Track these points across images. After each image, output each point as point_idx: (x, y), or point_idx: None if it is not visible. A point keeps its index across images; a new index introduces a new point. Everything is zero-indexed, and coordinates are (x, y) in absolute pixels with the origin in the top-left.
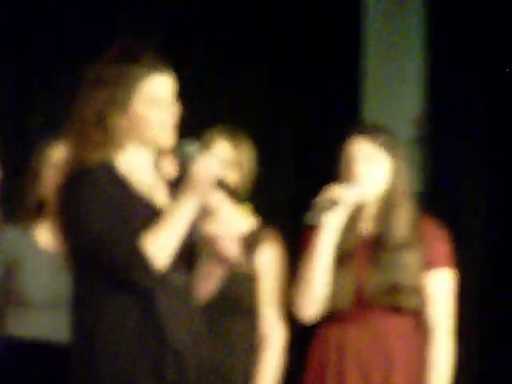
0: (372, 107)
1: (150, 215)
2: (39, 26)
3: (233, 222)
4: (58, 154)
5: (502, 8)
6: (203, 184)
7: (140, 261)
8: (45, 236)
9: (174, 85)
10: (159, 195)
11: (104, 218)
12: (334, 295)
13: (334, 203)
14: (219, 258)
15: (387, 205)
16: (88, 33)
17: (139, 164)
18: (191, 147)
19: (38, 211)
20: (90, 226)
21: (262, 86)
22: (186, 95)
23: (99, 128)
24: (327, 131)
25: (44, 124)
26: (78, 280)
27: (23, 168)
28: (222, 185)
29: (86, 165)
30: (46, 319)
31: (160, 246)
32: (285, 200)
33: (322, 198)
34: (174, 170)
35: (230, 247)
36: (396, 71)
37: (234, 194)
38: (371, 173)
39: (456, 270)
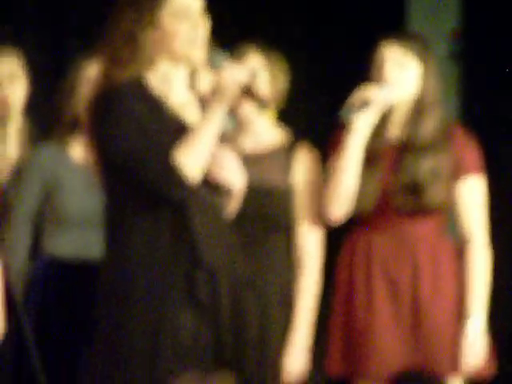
0: (414, 20)
1: (181, 132)
2: None
3: (266, 135)
4: (92, 71)
5: None
6: (230, 92)
7: (173, 174)
8: (81, 153)
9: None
10: (192, 112)
11: (133, 135)
12: (360, 197)
13: (365, 103)
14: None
15: (416, 110)
16: None
17: (171, 80)
18: (219, 56)
19: (73, 128)
20: (119, 144)
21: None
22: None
23: (129, 44)
24: (371, 43)
25: (81, 42)
26: (111, 197)
27: (58, 84)
28: (251, 93)
29: (116, 82)
30: (85, 237)
31: (191, 159)
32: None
33: (353, 98)
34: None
35: (231, 176)
36: None
37: (265, 103)
38: (401, 77)
39: (485, 178)
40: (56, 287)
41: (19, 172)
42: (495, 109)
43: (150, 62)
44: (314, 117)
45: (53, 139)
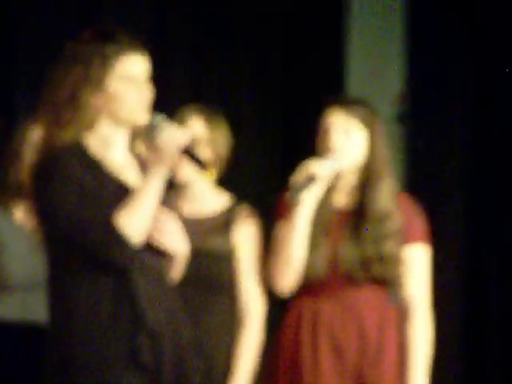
0: (355, 85)
1: (121, 194)
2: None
3: (206, 199)
4: (35, 135)
5: None
6: (171, 153)
7: (115, 238)
8: (24, 217)
9: (148, 64)
10: (132, 174)
11: (73, 199)
12: (309, 266)
13: (310, 180)
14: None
15: (366, 177)
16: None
17: (112, 143)
18: (158, 117)
19: (17, 193)
20: (61, 209)
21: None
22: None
23: (72, 106)
24: (312, 108)
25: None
26: (53, 262)
27: (3, 149)
28: (191, 155)
29: (56, 145)
30: (28, 300)
31: (133, 222)
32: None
33: (298, 176)
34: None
35: (173, 241)
36: (379, 52)
37: (205, 166)
38: (347, 145)
39: (431, 246)
40: None
41: None
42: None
43: (91, 125)
44: (258, 180)
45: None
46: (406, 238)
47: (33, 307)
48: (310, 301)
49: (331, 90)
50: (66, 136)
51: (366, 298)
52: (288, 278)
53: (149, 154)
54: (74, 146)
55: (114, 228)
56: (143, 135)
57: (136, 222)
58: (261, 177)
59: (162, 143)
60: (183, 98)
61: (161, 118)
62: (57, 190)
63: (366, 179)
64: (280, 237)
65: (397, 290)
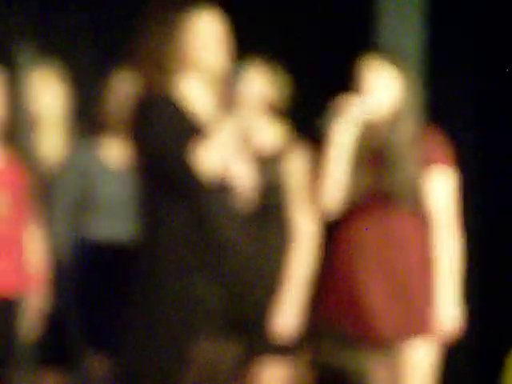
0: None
1: (201, 132)
2: None
3: (268, 136)
4: (122, 83)
5: None
6: (251, 101)
7: (193, 167)
8: (112, 150)
9: (223, 22)
10: (212, 115)
11: (163, 135)
12: (351, 192)
13: (347, 111)
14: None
15: (395, 117)
16: None
17: (197, 91)
18: (240, 68)
19: (105, 129)
20: (153, 142)
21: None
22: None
23: (157, 61)
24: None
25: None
26: (144, 189)
27: (96, 92)
28: (267, 103)
29: (151, 94)
30: (115, 223)
31: (209, 157)
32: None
33: (336, 107)
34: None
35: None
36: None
37: (273, 110)
38: (380, 88)
39: (455, 169)
40: (91, 263)
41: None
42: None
43: (179, 75)
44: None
45: (89, 139)
46: (429, 162)
47: (119, 228)
48: (355, 222)
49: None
50: (156, 85)
51: (404, 218)
52: (333, 198)
53: (227, 99)
54: (165, 94)
55: (193, 160)
56: (225, 81)
57: (211, 156)
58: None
59: (241, 91)
60: None
61: (242, 69)
62: (151, 126)
63: (395, 119)
64: (325, 166)
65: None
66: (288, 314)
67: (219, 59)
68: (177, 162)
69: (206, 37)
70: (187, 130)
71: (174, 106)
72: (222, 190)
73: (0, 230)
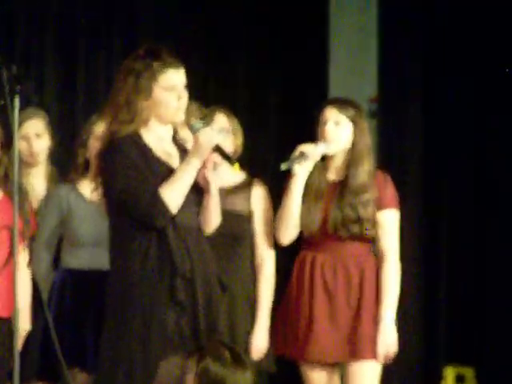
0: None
1: (166, 174)
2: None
3: (227, 176)
4: (99, 128)
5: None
6: (205, 148)
7: (157, 206)
8: (89, 190)
9: (184, 77)
10: (174, 159)
11: (128, 176)
12: (307, 224)
13: (303, 156)
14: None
15: (351, 158)
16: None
17: (159, 136)
18: (198, 123)
19: (83, 171)
20: (117, 183)
21: (249, 76)
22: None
23: (128, 109)
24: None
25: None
26: (113, 223)
27: (73, 139)
28: (221, 152)
29: (117, 137)
30: (92, 254)
31: (172, 196)
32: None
33: (296, 152)
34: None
35: (211, 174)
36: (358, 64)
37: (231, 160)
38: (337, 134)
39: (399, 210)
40: (70, 291)
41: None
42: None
43: (144, 123)
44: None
45: (68, 181)
46: (380, 205)
47: (96, 258)
48: (310, 251)
49: (317, 89)
50: (124, 131)
51: (351, 250)
52: (288, 232)
53: (190, 146)
54: (131, 138)
55: (157, 199)
56: (189, 129)
57: (174, 195)
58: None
59: (198, 139)
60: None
61: (199, 124)
62: (116, 168)
63: (351, 160)
64: (283, 202)
65: (374, 244)
66: (261, 336)
67: (180, 112)
68: (142, 198)
69: (177, 92)
70: (152, 170)
71: (139, 147)
72: (188, 221)
73: None
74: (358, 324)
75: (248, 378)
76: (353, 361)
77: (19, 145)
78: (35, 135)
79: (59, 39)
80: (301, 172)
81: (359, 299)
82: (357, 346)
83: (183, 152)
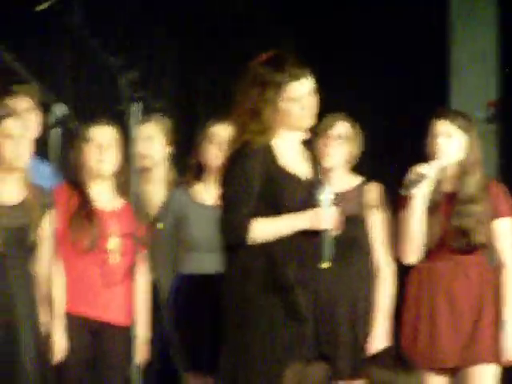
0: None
1: (291, 185)
2: None
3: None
4: (215, 132)
5: None
6: (319, 223)
7: (241, 231)
8: (204, 194)
9: (310, 84)
10: (302, 165)
11: (239, 186)
12: (426, 237)
13: (421, 177)
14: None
15: (462, 169)
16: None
17: (291, 144)
18: (326, 195)
19: (198, 174)
20: (227, 192)
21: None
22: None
23: (254, 119)
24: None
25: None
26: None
27: (190, 144)
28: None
29: (245, 147)
30: (206, 258)
31: (260, 232)
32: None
33: (412, 174)
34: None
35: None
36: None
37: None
38: (450, 146)
39: None
40: (185, 296)
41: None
42: None
43: (275, 132)
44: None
45: (183, 185)
46: (495, 214)
47: (209, 263)
48: (427, 264)
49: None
50: (256, 142)
51: (469, 259)
52: (413, 252)
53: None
54: (262, 151)
55: (245, 225)
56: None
57: (261, 233)
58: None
59: (319, 214)
60: None
61: (327, 196)
62: (234, 176)
63: (462, 170)
64: (403, 223)
65: (492, 254)
66: (379, 341)
67: (306, 120)
68: (232, 217)
69: (301, 102)
70: (274, 182)
71: (265, 161)
72: (306, 245)
73: (119, 264)
74: (479, 328)
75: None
76: (473, 364)
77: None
78: (148, 138)
79: (179, 44)
80: (420, 193)
81: (480, 306)
82: (478, 349)
83: (312, 156)
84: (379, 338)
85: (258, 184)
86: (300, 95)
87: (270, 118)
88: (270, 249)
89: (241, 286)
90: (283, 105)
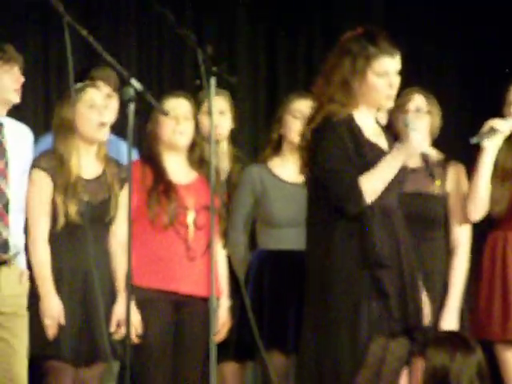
0: None
1: (374, 158)
2: None
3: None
4: (297, 106)
5: None
6: (414, 150)
7: (355, 193)
8: (283, 170)
9: (398, 63)
10: (381, 141)
11: (335, 159)
12: (494, 203)
13: (493, 131)
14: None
15: None
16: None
17: (368, 120)
18: (413, 122)
19: (276, 149)
20: (325, 161)
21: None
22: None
23: (343, 90)
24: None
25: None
26: (314, 204)
27: (270, 118)
28: (424, 156)
29: (332, 117)
30: (286, 234)
31: (372, 185)
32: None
33: (486, 126)
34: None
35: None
36: None
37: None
38: None
39: None
40: (268, 272)
41: (230, 183)
42: None
43: (357, 105)
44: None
45: (260, 160)
46: None
47: (290, 239)
48: (501, 233)
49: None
50: (341, 112)
51: None
52: (476, 208)
53: (400, 139)
54: (345, 120)
55: (356, 186)
56: (402, 121)
57: (373, 185)
58: None
59: (411, 140)
60: None
61: (414, 120)
62: (328, 147)
63: None
64: (473, 178)
65: None
66: (452, 316)
67: (390, 99)
68: (343, 183)
69: (389, 79)
70: (359, 155)
71: (351, 131)
72: (389, 205)
73: (197, 237)
74: None
75: (473, 362)
76: None
77: (202, 120)
78: (218, 112)
79: (251, 18)
80: (490, 147)
81: None
82: None
83: (388, 135)
84: (452, 319)
85: (350, 145)
86: (389, 70)
87: (357, 91)
88: (358, 226)
89: (328, 260)
90: (372, 78)
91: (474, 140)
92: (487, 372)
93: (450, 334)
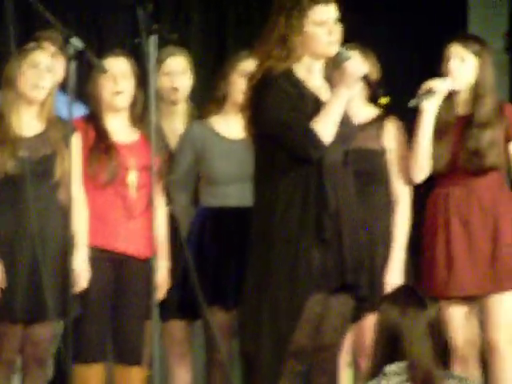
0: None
1: (318, 107)
2: None
3: (360, 111)
4: (245, 65)
5: None
6: (354, 77)
7: (311, 139)
8: (225, 127)
9: (334, 11)
10: (324, 92)
11: (283, 109)
12: (436, 160)
13: (430, 91)
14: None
15: (476, 93)
16: None
17: (311, 71)
18: (346, 52)
19: (220, 106)
20: (272, 115)
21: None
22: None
23: (282, 45)
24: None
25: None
26: (259, 159)
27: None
28: (368, 82)
29: (272, 72)
30: (230, 191)
31: (325, 127)
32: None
33: (423, 88)
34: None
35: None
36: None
37: (372, 85)
38: (463, 70)
39: None
40: (210, 229)
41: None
42: None
43: (298, 59)
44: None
45: (202, 118)
46: (509, 136)
47: (232, 196)
48: (443, 190)
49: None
50: (279, 67)
51: (483, 183)
52: (419, 169)
53: (336, 77)
54: (285, 73)
55: (311, 131)
56: (333, 63)
57: (326, 127)
58: None
59: (347, 69)
60: None
61: (347, 53)
62: (271, 101)
63: (475, 94)
64: (414, 139)
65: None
66: (396, 272)
67: (332, 46)
68: (296, 131)
69: (327, 27)
70: (305, 103)
71: (293, 82)
72: (334, 157)
73: (138, 196)
74: (497, 255)
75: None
76: (494, 292)
77: (162, 82)
78: (179, 72)
79: None
80: (429, 107)
81: (496, 230)
82: (498, 276)
83: (331, 84)
84: (396, 273)
85: (294, 95)
86: (326, 19)
87: (295, 44)
88: (303, 181)
89: (268, 210)
90: (309, 29)
91: (412, 103)
92: (439, 329)
93: (404, 289)
